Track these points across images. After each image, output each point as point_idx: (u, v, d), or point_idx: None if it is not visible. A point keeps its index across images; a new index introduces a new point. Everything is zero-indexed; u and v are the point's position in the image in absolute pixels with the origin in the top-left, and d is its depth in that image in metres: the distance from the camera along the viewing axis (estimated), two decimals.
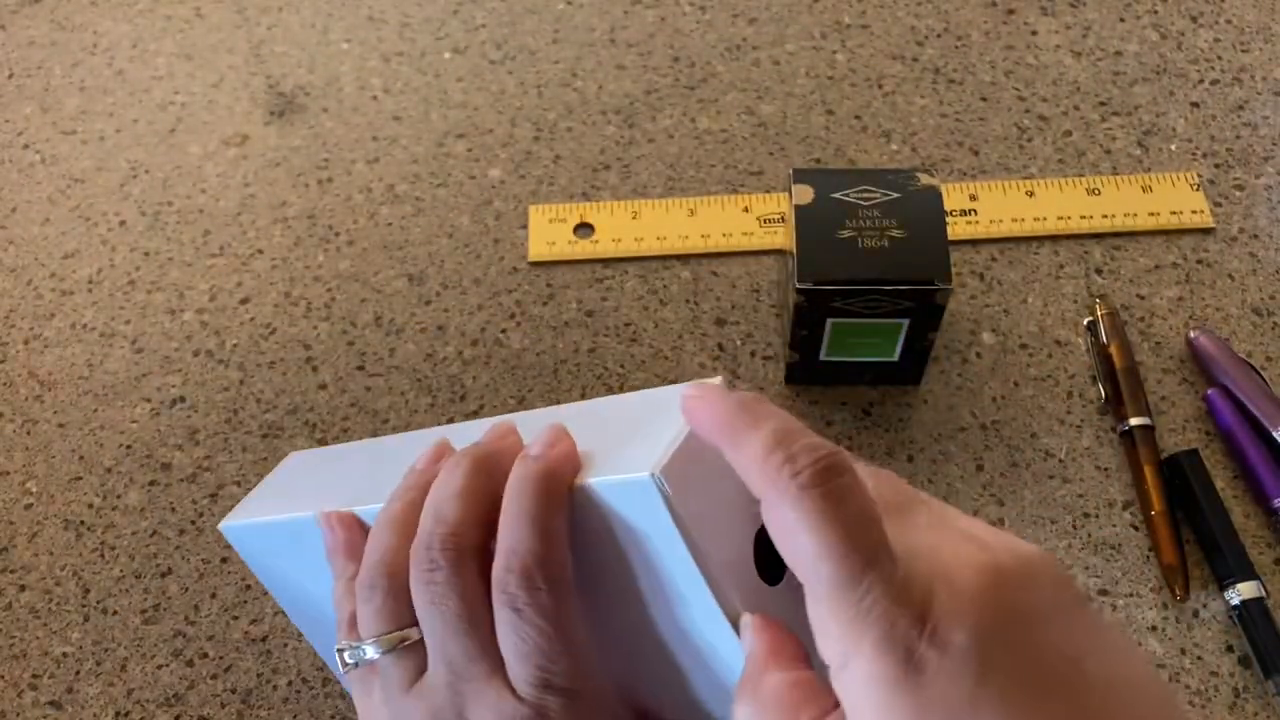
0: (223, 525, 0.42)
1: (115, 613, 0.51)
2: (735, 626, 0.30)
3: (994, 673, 0.24)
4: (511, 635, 0.31)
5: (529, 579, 0.31)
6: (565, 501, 0.32)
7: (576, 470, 0.32)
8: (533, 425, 0.35)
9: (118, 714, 0.49)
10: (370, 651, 0.34)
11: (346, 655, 0.35)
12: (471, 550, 0.33)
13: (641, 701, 0.34)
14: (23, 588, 0.52)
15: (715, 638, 0.31)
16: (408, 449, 0.38)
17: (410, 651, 0.34)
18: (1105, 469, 0.54)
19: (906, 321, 0.53)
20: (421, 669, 0.34)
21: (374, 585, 0.34)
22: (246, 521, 0.41)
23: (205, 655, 0.50)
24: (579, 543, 0.32)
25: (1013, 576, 0.25)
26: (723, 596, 0.30)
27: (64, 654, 0.50)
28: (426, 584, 0.33)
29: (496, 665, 0.32)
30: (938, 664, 0.24)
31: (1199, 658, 0.49)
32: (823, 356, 0.55)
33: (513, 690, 0.32)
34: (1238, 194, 0.63)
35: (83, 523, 0.54)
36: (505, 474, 0.33)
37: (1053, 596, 0.26)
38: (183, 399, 0.57)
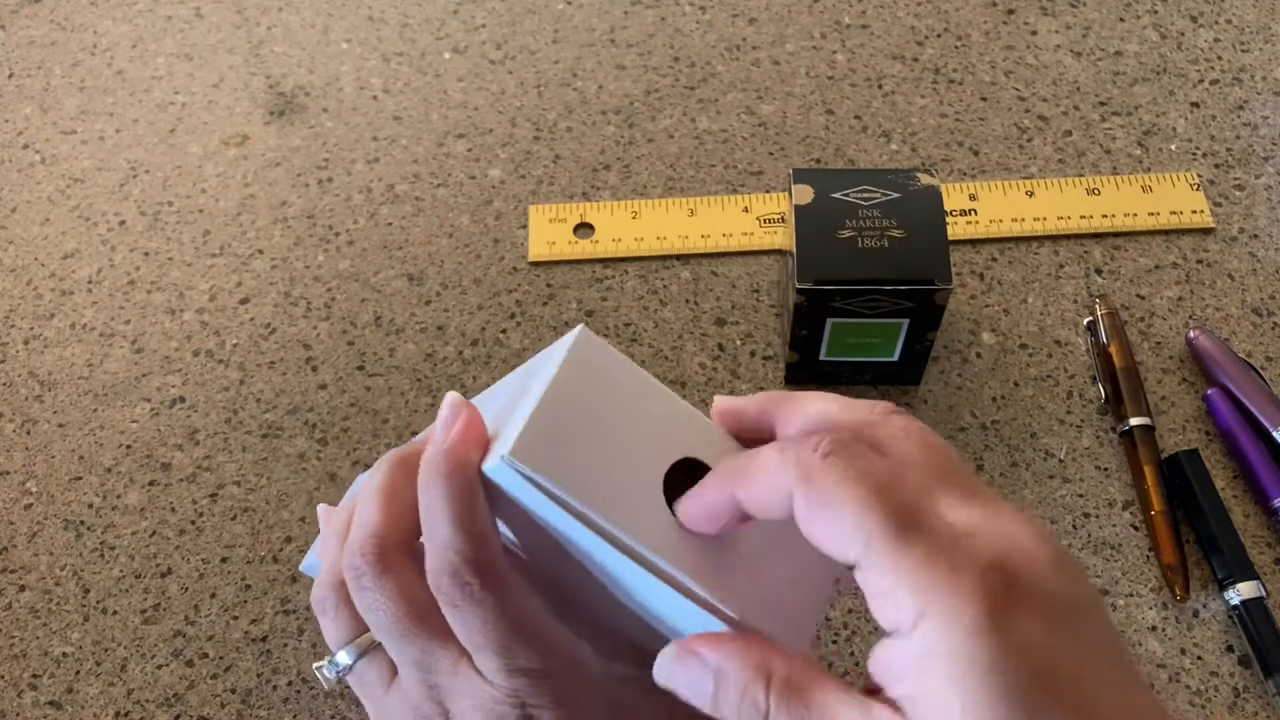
0: (302, 567, 0.42)
1: (115, 613, 0.51)
2: (655, 572, 0.29)
3: (1070, 629, 0.23)
4: (461, 630, 0.31)
5: (458, 577, 0.30)
6: (477, 488, 0.30)
7: (483, 445, 0.31)
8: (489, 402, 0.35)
9: (117, 714, 0.49)
10: (343, 658, 0.34)
11: (325, 671, 0.35)
12: (399, 548, 0.32)
13: (638, 643, 0.33)
14: (22, 588, 0.52)
15: (647, 586, 0.30)
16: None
17: (380, 652, 0.34)
18: (1105, 469, 0.54)
19: (906, 321, 0.53)
20: (394, 666, 0.33)
21: (324, 599, 0.34)
22: (315, 560, 0.41)
23: (205, 655, 0.50)
24: (511, 515, 0.32)
25: (1072, 562, 0.25)
26: (632, 547, 0.29)
27: (64, 654, 0.50)
28: (359, 590, 0.32)
29: (460, 651, 0.31)
30: (1023, 612, 0.23)
31: (1199, 657, 0.49)
32: (823, 356, 0.55)
33: (482, 675, 0.31)
34: (1238, 194, 0.63)
35: (82, 523, 0.54)
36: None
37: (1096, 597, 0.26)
38: (182, 399, 0.57)
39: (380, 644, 0.33)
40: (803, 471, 0.26)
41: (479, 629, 0.30)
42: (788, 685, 0.26)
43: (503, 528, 0.33)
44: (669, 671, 0.28)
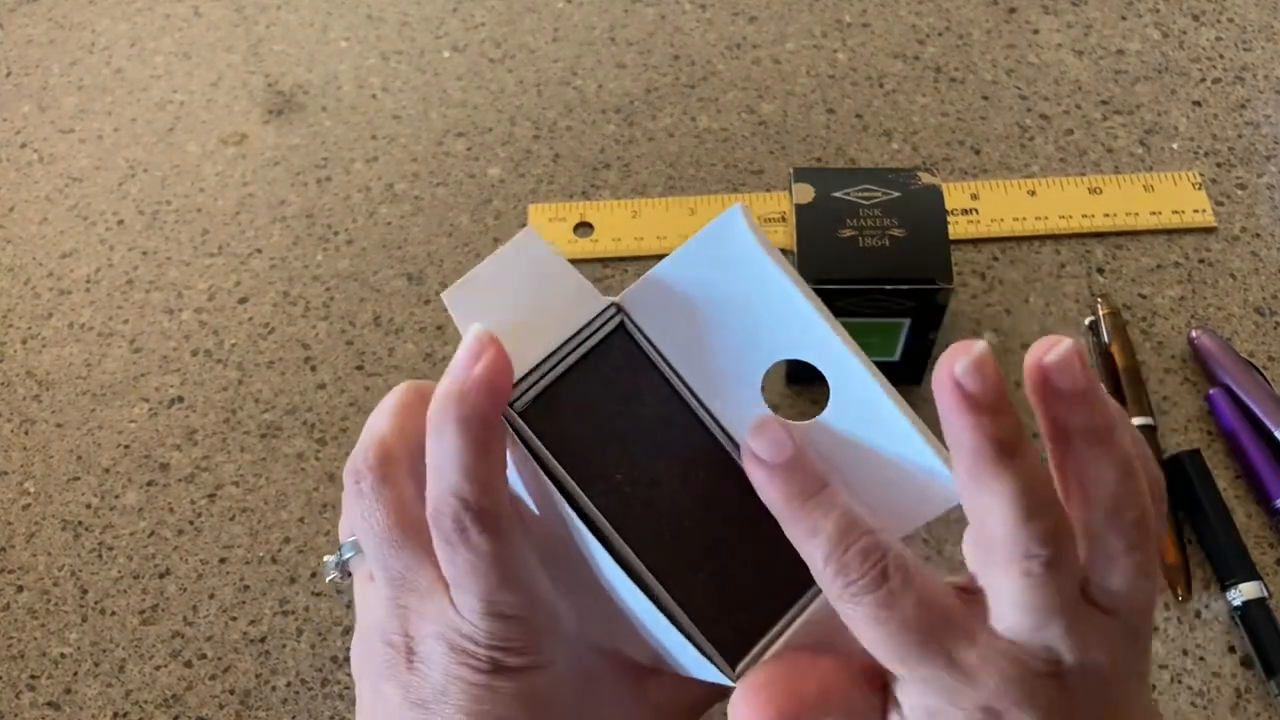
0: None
1: (113, 613, 0.51)
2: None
3: None
4: (448, 566, 0.30)
5: (458, 521, 0.29)
6: (493, 437, 0.29)
7: (506, 391, 0.29)
8: None
9: (116, 715, 0.49)
10: (345, 552, 0.33)
11: (330, 563, 0.34)
12: (402, 462, 0.31)
13: (612, 637, 0.33)
14: (20, 588, 0.52)
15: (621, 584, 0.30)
16: None
17: (362, 556, 0.33)
18: None
19: (907, 321, 0.52)
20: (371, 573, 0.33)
21: (345, 491, 0.34)
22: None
23: (204, 656, 0.50)
24: (521, 461, 0.31)
25: None
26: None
27: (62, 654, 0.50)
28: (355, 497, 0.31)
29: (437, 576, 0.30)
30: None
31: (1201, 658, 0.49)
32: None
33: (456, 608, 0.30)
34: (1240, 193, 0.63)
35: (80, 523, 0.54)
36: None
37: None
38: (181, 399, 0.57)
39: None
40: (836, 594, 0.28)
41: (467, 571, 0.29)
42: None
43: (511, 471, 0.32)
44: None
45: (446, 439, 0.28)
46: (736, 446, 0.31)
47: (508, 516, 0.29)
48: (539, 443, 0.29)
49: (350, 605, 0.51)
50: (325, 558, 0.35)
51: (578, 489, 0.29)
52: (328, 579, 0.35)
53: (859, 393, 0.30)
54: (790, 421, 0.30)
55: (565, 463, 0.29)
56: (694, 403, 0.31)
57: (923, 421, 0.30)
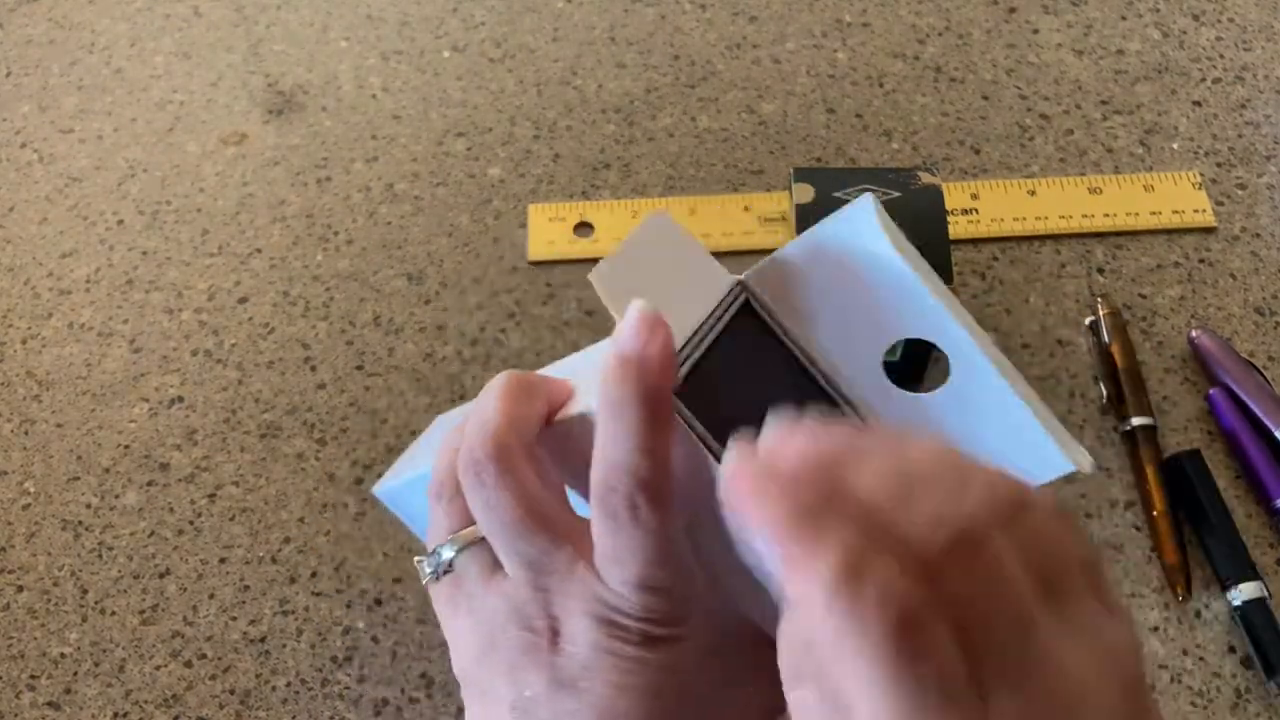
0: (374, 490, 0.42)
1: (113, 613, 0.51)
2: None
3: None
4: (610, 541, 0.30)
5: (630, 499, 0.29)
6: (668, 412, 0.29)
7: (672, 369, 0.29)
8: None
9: (116, 715, 0.49)
10: (446, 553, 0.33)
11: (426, 566, 0.34)
12: (519, 447, 0.32)
13: (742, 603, 0.33)
14: (20, 588, 0.52)
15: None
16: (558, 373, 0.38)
17: (485, 546, 0.33)
18: (1107, 469, 0.54)
19: None
20: (497, 562, 0.33)
21: (440, 492, 0.34)
22: (394, 483, 0.41)
23: (204, 656, 0.50)
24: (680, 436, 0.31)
25: None
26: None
27: (62, 654, 0.50)
28: (477, 487, 0.31)
29: (577, 552, 0.31)
30: None
31: (1201, 658, 0.49)
32: None
33: (605, 583, 0.30)
34: (1240, 193, 0.63)
35: (80, 523, 0.54)
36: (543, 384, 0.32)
37: None
38: (181, 399, 0.57)
39: (482, 539, 0.33)
40: (845, 630, 0.22)
41: (628, 546, 0.29)
42: None
43: None
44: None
45: (626, 416, 0.29)
46: (862, 419, 0.32)
47: (671, 493, 0.30)
48: (694, 418, 0.30)
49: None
50: (419, 560, 0.35)
51: None
52: (424, 580, 0.34)
53: (975, 371, 0.31)
54: (915, 394, 0.31)
55: (718, 437, 0.30)
56: (819, 377, 0.32)
57: (1037, 397, 0.31)
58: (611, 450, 0.29)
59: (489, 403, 0.32)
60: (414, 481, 0.40)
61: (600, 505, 0.30)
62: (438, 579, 0.34)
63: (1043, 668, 0.23)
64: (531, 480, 0.31)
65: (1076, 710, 0.23)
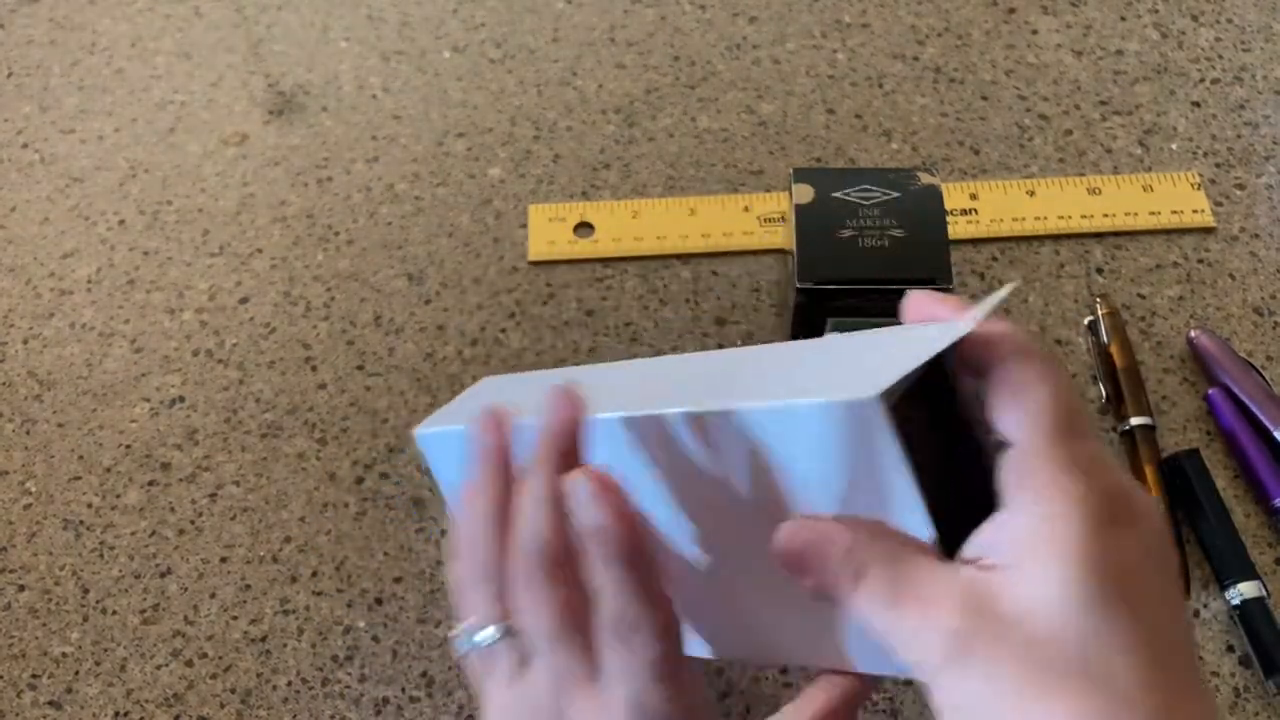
0: (416, 431, 0.43)
1: (114, 613, 0.51)
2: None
3: (1156, 558, 0.29)
4: (612, 663, 0.33)
5: (627, 641, 0.32)
6: (650, 560, 0.33)
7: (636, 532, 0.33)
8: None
9: (117, 714, 0.49)
10: (489, 634, 0.35)
11: (462, 642, 0.36)
12: (563, 557, 0.34)
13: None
14: (22, 588, 0.52)
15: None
16: (598, 377, 0.40)
17: (517, 640, 0.35)
18: None
19: None
20: (525, 658, 0.35)
21: (486, 572, 0.36)
22: (435, 430, 0.42)
23: (204, 655, 0.50)
24: (672, 464, 0.34)
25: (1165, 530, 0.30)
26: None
27: (63, 654, 0.50)
28: (527, 589, 0.34)
29: (593, 669, 0.34)
30: (1134, 528, 0.28)
31: (1200, 658, 0.49)
32: None
33: (608, 697, 0.33)
34: (1239, 193, 0.63)
35: (82, 522, 0.54)
36: (576, 452, 0.35)
37: None
38: (182, 399, 0.57)
39: (516, 633, 0.35)
40: (1020, 348, 0.30)
41: (630, 670, 0.33)
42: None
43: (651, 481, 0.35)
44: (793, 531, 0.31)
45: (612, 570, 0.32)
46: None
47: (675, 624, 0.33)
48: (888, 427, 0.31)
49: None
50: (457, 633, 0.37)
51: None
52: (461, 653, 0.36)
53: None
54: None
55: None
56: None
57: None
58: (605, 597, 0.33)
59: (536, 511, 0.34)
60: (450, 435, 0.42)
61: (605, 636, 0.33)
62: (470, 655, 0.37)
63: None
64: (575, 591, 0.34)
65: None
